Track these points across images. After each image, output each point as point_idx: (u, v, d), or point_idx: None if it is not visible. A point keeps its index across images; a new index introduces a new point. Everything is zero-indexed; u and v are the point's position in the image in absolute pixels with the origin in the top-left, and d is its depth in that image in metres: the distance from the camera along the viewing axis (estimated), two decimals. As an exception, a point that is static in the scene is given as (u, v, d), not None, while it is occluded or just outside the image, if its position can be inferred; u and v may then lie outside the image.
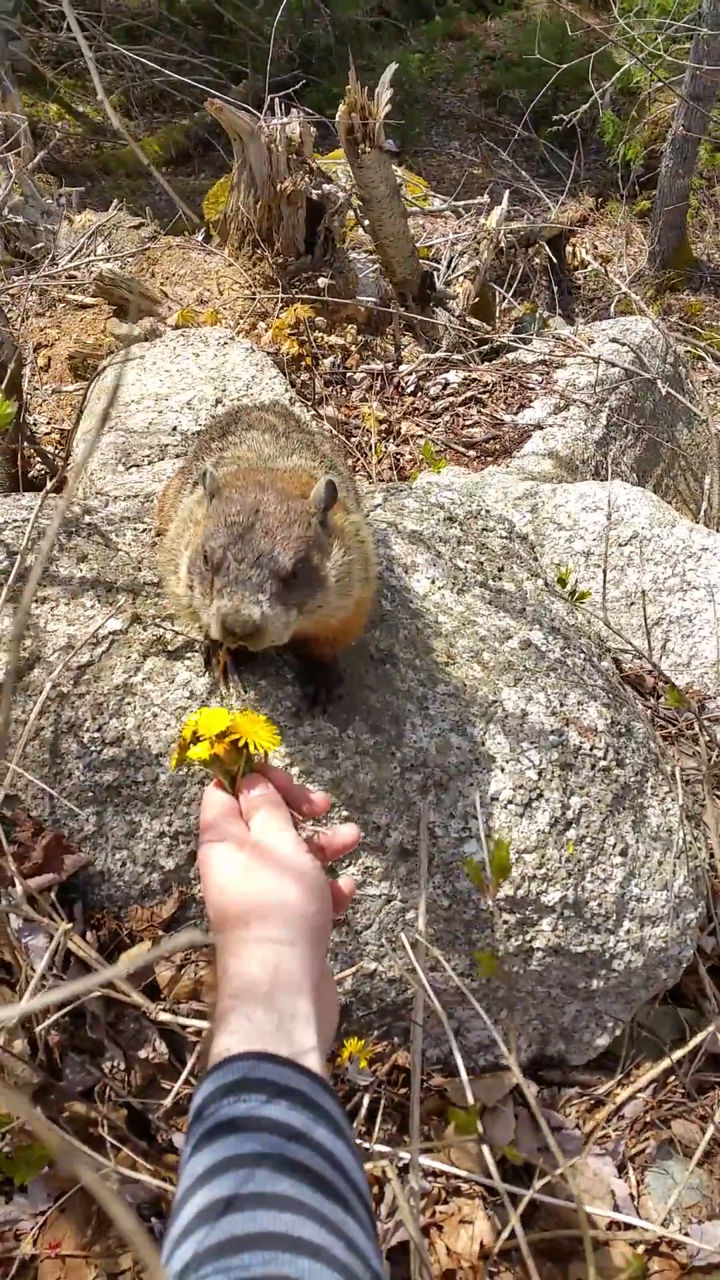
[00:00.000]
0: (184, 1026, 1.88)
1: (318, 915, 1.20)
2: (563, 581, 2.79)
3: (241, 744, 1.37)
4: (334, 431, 3.97)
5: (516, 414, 4.58)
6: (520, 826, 1.99)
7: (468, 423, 4.60)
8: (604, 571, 2.41)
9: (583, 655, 2.31)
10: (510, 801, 1.99)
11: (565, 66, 6.85)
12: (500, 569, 2.46)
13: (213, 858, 1.26)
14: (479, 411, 4.66)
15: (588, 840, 2.04)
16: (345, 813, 1.92)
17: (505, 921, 1.98)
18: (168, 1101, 1.91)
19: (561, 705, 2.13)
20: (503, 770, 2.01)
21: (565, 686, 2.18)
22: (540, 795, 2.01)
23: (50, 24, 10.06)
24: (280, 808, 1.33)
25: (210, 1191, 0.92)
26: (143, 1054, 1.95)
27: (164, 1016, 1.83)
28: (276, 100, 4.76)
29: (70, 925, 1.83)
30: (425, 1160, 2.03)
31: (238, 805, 1.36)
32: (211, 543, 1.55)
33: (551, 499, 3.21)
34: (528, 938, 1.99)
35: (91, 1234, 1.90)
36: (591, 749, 2.12)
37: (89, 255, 5.10)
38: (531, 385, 4.75)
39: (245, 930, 1.15)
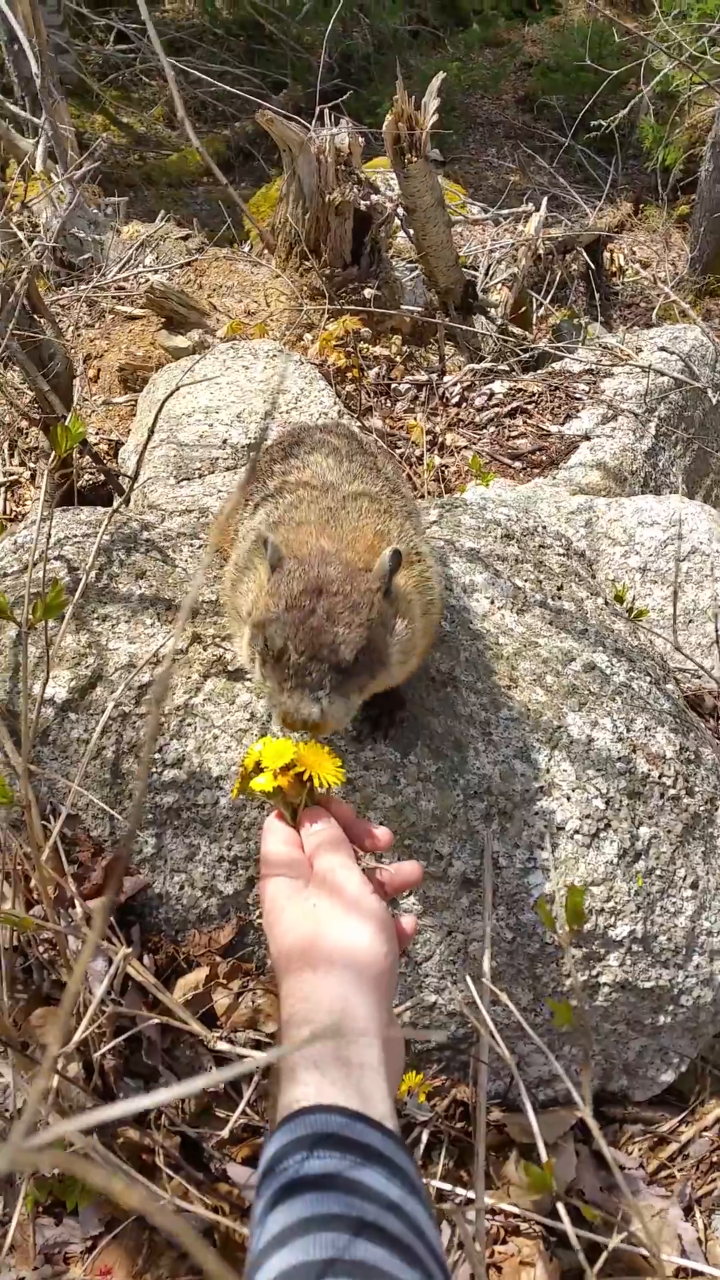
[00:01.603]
0: (241, 1056, 1.84)
1: (386, 959, 1.16)
2: (620, 599, 2.73)
3: (305, 777, 1.34)
4: (382, 445, 3.94)
5: (563, 424, 4.52)
6: (587, 858, 1.94)
7: (513, 434, 4.55)
8: (675, 591, 2.35)
9: (648, 678, 2.26)
10: (577, 832, 1.94)
11: (613, 73, 6.79)
12: (559, 588, 2.41)
13: (277, 895, 1.23)
14: (525, 422, 4.61)
15: (657, 872, 1.98)
16: (407, 841, 1.89)
17: (571, 956, 1.93)
18: (225, 1132, 1.88)
19: (628, 731, 2.08)
20: (569, 799, 1.96)
21: (631, 711, 2.13)
22: (608, 825, 1.97)
23: (97, 37, 10.14)
24: (343, 844, 1.29)
25: (297, 1253, 0.88)
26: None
27: (221, 1046, 1.79)
28: (326, 111, 4.74)
29: (129, 950, 1.80)
30: (485, 1199, 1.99)
31: (299, 838, 1.33)
32: (272, 628, 1.48)
33: (606, 513, 3.16)
34: (594, 973, 1.94)
35: (143, 1263, 1.87)
36: (660, 777, 2.06)
37: (137, 266, 5.11)
38: (578, 395, 4.69)
39: (311, 974, 1.12)
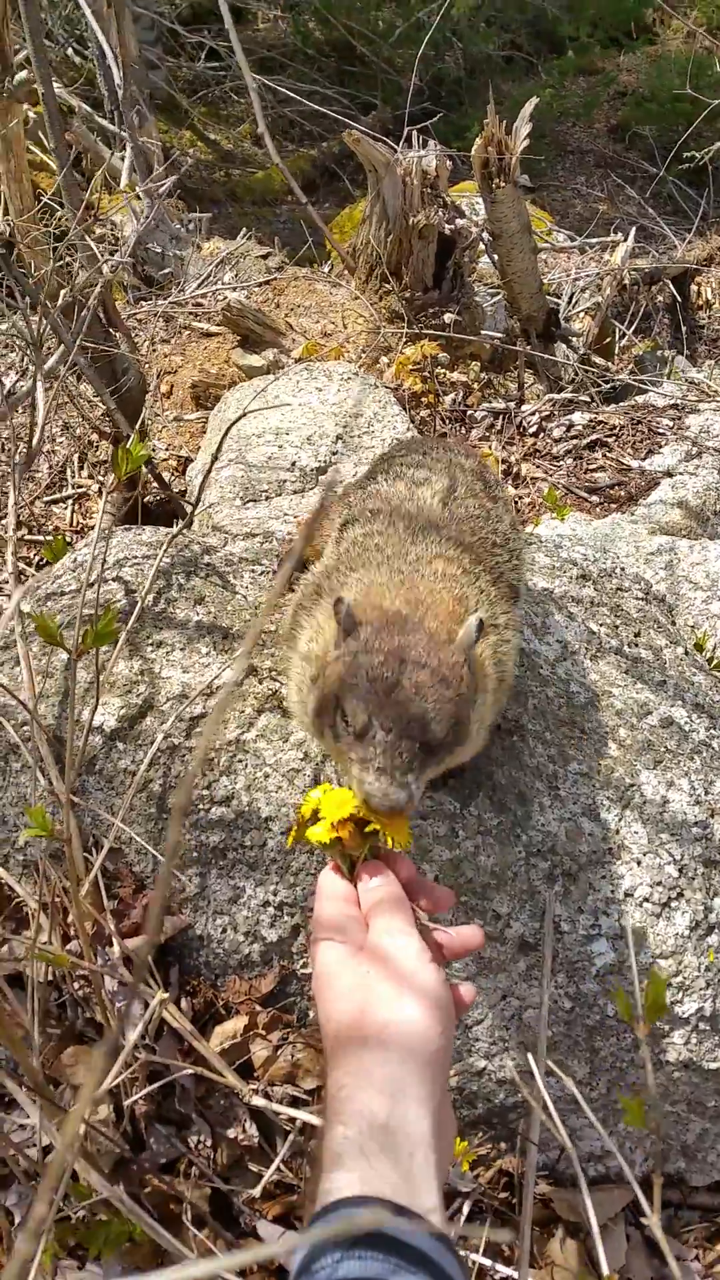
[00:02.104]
0: (277, 1113, 1.75)
1: (441, 1040, 1.07)
2: (700, 647, 2.60)
3: (368, 830, 1.25)
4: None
5: (644, 459, 4.39)
6: (656, 928, 1.81)
7: (592, 466, 4.43)
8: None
9: (728, 736, 2.13)
10: (646, 900, 1.82)
11: (712, 104, 6.64)
12: (636, 634, 2.29)
13: (329, 962, 1.14)
14: (604, 455, 4.49)
15: (729, 947, 1.85)
16: (464, 898, 1.78)
17: (633, 1031, 1.80)
18: (257, 1191, 1.79)
19: (707, 794, 1.95)
20: (639, 863, 1.84)
21: (711, 772, 2.00)
22: (680, 895, 1.84)
23: (188, 54, 10.27)
24: (403, 906, 1.20)
25: None
26: (231, 1133, 1.84)
27: (258, 1102, 1.70)
28: (413, 133, 4.70)
29: (166, 995, 1.72)
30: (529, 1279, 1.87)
31: (355, 893, 1.24)
32: (352, 702, 1.36)
33: (689, 556, 3.02)
34: (657, 1050, 1.81)
35: (164, 1319, 1.78)
36: (737, 844, 1.93)
37: (216, 283, 5.10)
38: (661, 430, 4.55)
39: (362, 1051, 1.04)
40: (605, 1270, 1.64)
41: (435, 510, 1.75)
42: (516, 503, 4.09)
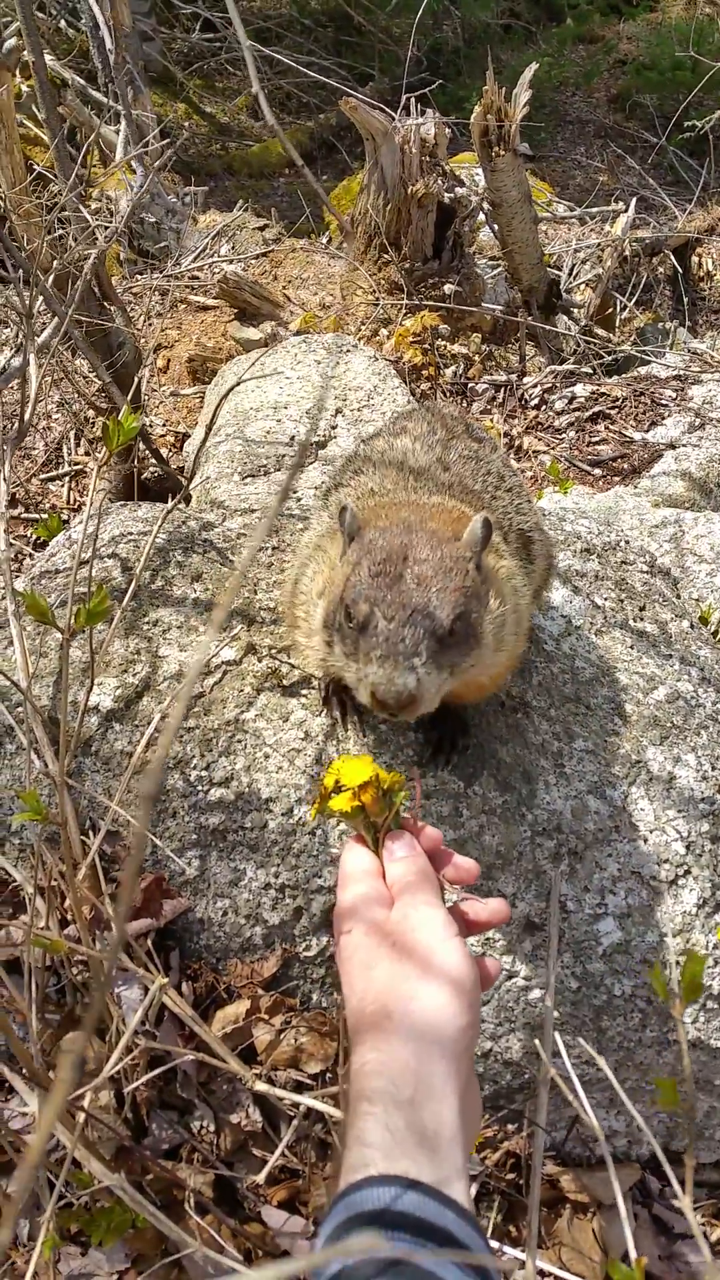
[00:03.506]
0: (281, 1099, 1.72)
1: (465, 1018, 1.04)
2: (705, 620, 2.56)
3: (386, 790, 1.22)
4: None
5: (647, 431, 4.33)
6: (663, 906, 1.78)
7: (594, 439, 4.37)
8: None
9: (736, 711, 2.09)
10: (654, 878, 1.78)
11: (713, 68, 6.53)
12: (641, 608, 2.25)
13: (354, 952, 1.11)
14: (606, 427, 4.42)
15: (738, 925, 1.82)
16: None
17: (641, 1011, 1.77)
18: (261, 1176, 1.76)
19: (714, 769, 1.91)
20: (646, 841, 1.81)
21: (718, 747, 1.96)
22: (688, 872, 1.80)
23: (183, 25, 10.11)
24: (429, 879, 1.17)
25: None
26: (234, 1118, 1.82)
27: (261, 1087, 1.67)
28: (412, 100, 4.60)
29: (166, 980, 1.69)
30: (537, 1261, 1.85)
31: (379, 867, 1.21)
32: (355, 596, 1.34)
33: (694, 528, 2.97)
34: (665, 1030, 1.78)
35: (169, 1302, 1.77)
36: (746, 821, 1.89)
37: (212, 256, 5.03)
38: (664, 401, 4.49)
39: (387, 1032, 1.02)
40: (632, 1252, 1.61)
41: (419, 455, 1.71)
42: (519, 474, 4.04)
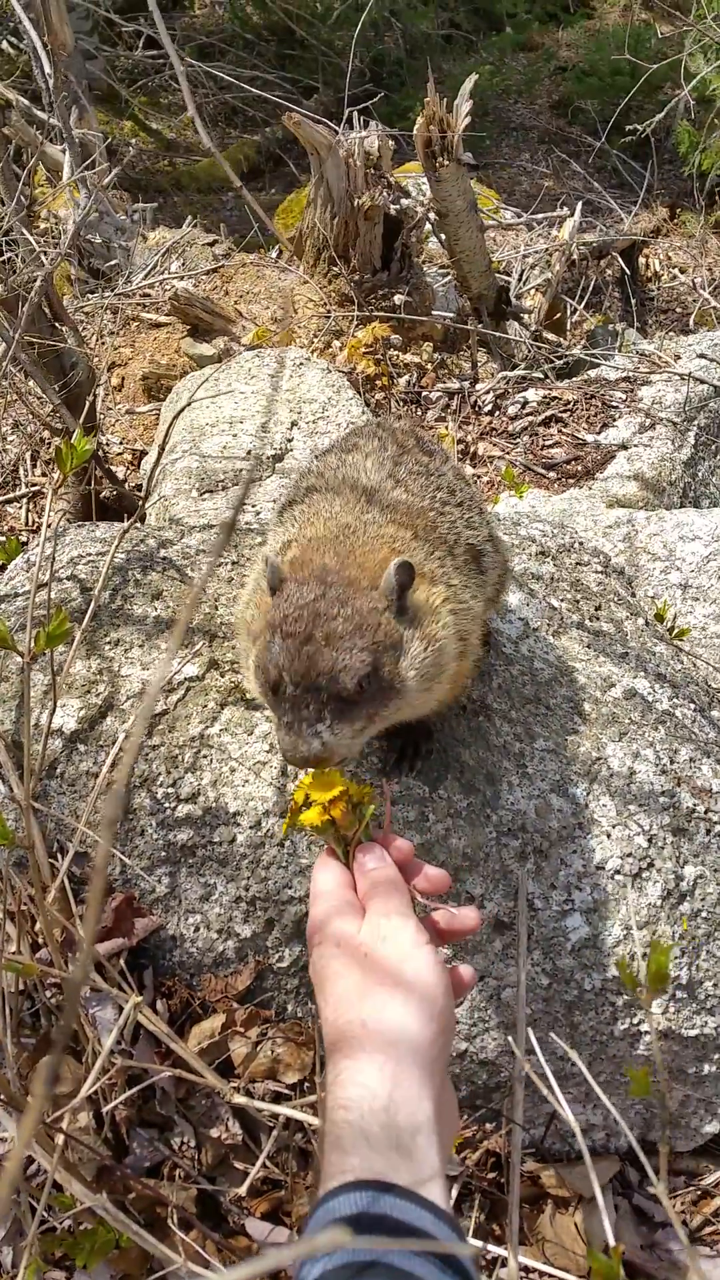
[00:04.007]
0: (260, 1110, 1.73)
1: (436, 1027, 1.07)
2: (660, 617, 2.60)
3: (356, 803, 1.25)
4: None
5: (599, 433, 4.39)
6: (629, 899, 1.81)
7: (548, 443, 4.42)
8: None
9: (692, 705, 2.13)
10: (618, 872, 1.82)
11: (649, 70, 6.64)
12: (597, 608, 2.29)
13: (327, 967, 1.13)
14: (559, 431, 4.48)
15: (703, 914, 1.85)
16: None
17: (611, 1004, 1.80)
18: (243, 1189, 1.77)
19: (672, 763, 1.95)
20: (609, 836, 1.84)
21: (675, 741, 2.00)
22: (651, 864, 1.84)
23: (126, 43, 10.11)
24: (399, 890, 1.19)
25: None
26: (214, 1133, 1.82)
27: (239, 1100, 1.68)
28: (354, 114, 4.65)
29: (140, 999, 1.70)
30: (520, 1257, 1.87)
31: (351, 879, 1.23)
32: (267, 659, 1.37)
33: (646, 528, 3.02)
34: (635, 1020, 1.81)
35: (156, 1322, 1.77)
36: (706, 812, 1.93)
37: (163, 273, 5.04)
38: (615, 403, 4.55)
39: (361, 1042, 1.04)
40: (612, 1241, 1.64)
41: (370, 472, 1.72)
42: (474, 482, 4.08)
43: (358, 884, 1.21)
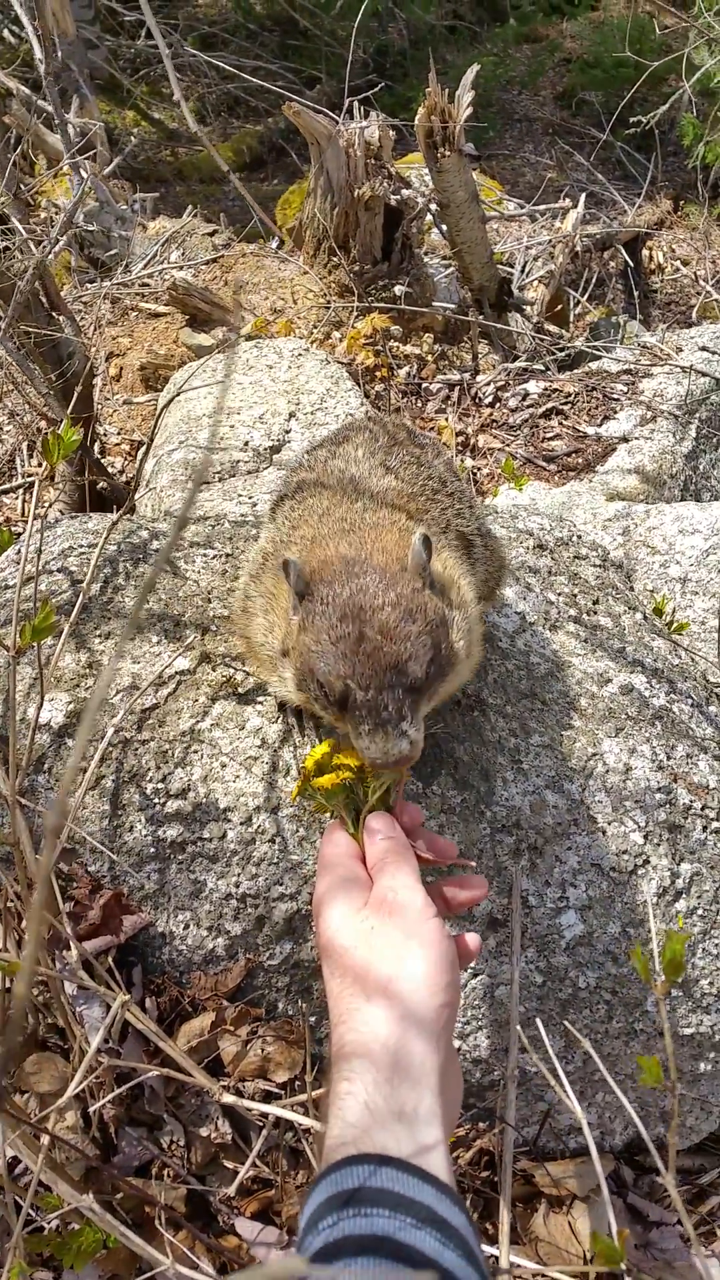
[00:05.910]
0: (250, 1109, 1.71)
1: (444, 994, 1.06)
2: (659, 612, 2.57)
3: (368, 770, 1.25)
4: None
5: (600, 426, 4.35)
6: (624, 896, 1.78)
7: (548, 435, 4.39)
8: None
9: (689, 701, 2.10)
10: (613, 869, 1.79)
11: (652, 66, 6.59)
12: (595, 602, 2.26)
13: (331, 919, 1.13)
14: (560, 423, 4.45)
15: (699, 912, 1.83)
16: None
17: (606, 1002, 1.78)
18: (233, 1188, 1.75)
19: (668, 759, 1.93)
20: (604, 833, 1.81)
21: (672, 738, 1.97)
22: (646, 861, 1.81)
23: (128, 32, 10.05)
24: (408, 859, 1.19)
25: None
26: (204, 1131, 1.80)
27: (229, 1099, 1.66)
28: (355, 104, 4.61)
29: (128, 997, 1.68)
30: (512, 1257, 1.85)
31: (359, 851, 1.24)
32: (326, 672, 1.29)
33: (645, 521, 2.99)
34: (631, 1019, 1.79)
35: (145, 1322, 1.75)
36: (703, 808, 1.91)
37: (162, 263, 5.00)
38: (616, 396, 4.52)
39: (366, 1004, 1.04)
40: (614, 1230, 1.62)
41: (361, 462, 1.69)
42: (474, 474, 4.05)
43: (366, 853, 1.21)
